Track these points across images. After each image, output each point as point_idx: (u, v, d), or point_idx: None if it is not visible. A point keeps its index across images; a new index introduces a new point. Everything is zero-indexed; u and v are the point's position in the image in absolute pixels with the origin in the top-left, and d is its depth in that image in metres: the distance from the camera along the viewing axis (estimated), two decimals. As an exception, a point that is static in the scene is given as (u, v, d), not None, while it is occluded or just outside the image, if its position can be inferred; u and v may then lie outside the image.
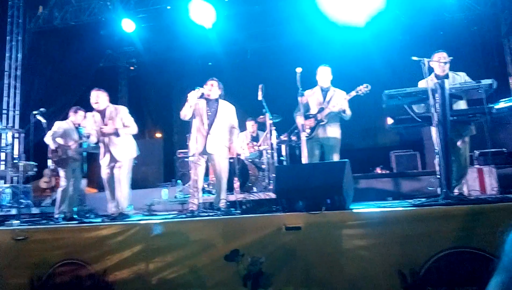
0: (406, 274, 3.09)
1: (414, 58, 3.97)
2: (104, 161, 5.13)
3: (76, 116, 5.91)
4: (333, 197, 3.48)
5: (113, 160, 5.10)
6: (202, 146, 4.83)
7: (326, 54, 7.85)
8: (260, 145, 7.07)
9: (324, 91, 5.32)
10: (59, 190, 5.79)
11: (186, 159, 7.92)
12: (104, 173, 5.14)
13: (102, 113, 5.16)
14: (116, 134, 5.06)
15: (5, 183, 7.06)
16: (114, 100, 5.36)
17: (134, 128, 5.21)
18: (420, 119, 3.97)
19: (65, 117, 6.01)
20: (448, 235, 3.10)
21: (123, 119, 5.15)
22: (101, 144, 5.17)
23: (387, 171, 8.14)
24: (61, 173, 5.75)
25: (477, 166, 6.01)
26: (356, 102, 5.27)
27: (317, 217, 3.37)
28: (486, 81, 3.75)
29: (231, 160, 6.48)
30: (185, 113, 4.87)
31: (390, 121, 4.07)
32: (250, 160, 6.80)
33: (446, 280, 3.03)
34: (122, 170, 5.08)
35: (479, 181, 5.70)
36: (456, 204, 3.36)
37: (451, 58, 4.41)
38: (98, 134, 5.13)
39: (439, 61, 4.45)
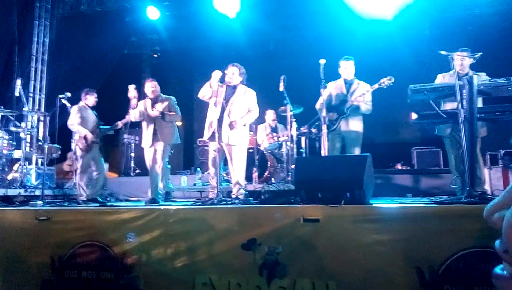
0: (425, 271, 3.05)
1: (443, 52, 3.89)
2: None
3: (90, 98, 5.96)
4: (353, 191, 3.45)
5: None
6: (216, 134, 4.72)
7: (350, 46, 7.72)
8: (279, 137, 7.06)
9: (348, 84, 5.26)
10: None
11: (206, 148, 7.97)
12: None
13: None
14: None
15: (30, 164, 7.23)
16: (137, 87, 5.43)
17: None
18: (446, 115, 3.89)
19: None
20: (469, 234, 3.04)
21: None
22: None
23: (408, 168, 8.01)
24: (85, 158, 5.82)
25: (502, 165, 5.87)
26: (379, 96, 5.19)
27: (336, 210, 3.35)
28: (516, 78, 3.64)
29: (251, 150, 6.50)
30: (204, 94, 4.89)
31: (414, 116, 3.99)
32: (269, 151, 6.80)
33: (465, 279, 2.99)
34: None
35: (503, 181, 5.57)
36: (479, 203, 3.30)
37: (480, 53, 4.28)
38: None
39: (469, 56, 4.33)
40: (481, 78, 4.03)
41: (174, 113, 5.41)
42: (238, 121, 4.80)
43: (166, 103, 5.39)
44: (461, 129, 3.66)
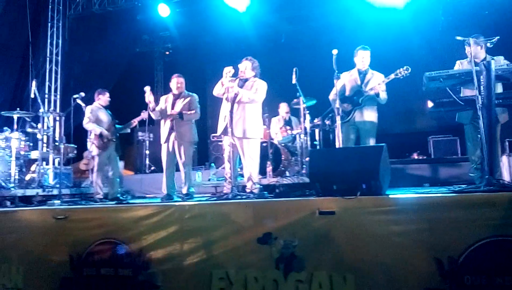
0: (444, 262, 2.99)
1: (459, 37, 3.79)
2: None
3: (103, 98, 6.02)
4: (369, 182, 3.40)
5: None
6: (229, 129, 4.68)
7: (362, 35, 7.60)
8: (293, 130, 7.02)
9: (362, 74, 5.16)
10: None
11: (219, 143, 7.98)
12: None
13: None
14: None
15: (47, 164, 7.34)
16: (150, 85, 5.45)
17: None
18: (463, 102, 3.80)
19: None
20: (489, 223, 2.97)
21: None
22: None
23: (425, 157, 7.89)
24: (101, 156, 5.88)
25: (523, 152, 5.73)
26: (394, 85, 5.08)
27: (352, 202, 3.31)
28: (535, 62, 3.54)
29: (264, 144, 6.48)
30: (217, 91, 4.90)
31: (430, 104, 3.91)
32: (283, 144, 6.77)
33: (485, 269, 2.92)
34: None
35: (524, 168, 5.43)
36: (499, 191, 3.22)
37: (497, 37, 4.16)
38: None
39: (485, 42, 4.22)
40: (499, 63, 3.92)
41: (193, 111, 5.37)
42: (240, 91, 4.76)
43: (187, 99, 5.39)
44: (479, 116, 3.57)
